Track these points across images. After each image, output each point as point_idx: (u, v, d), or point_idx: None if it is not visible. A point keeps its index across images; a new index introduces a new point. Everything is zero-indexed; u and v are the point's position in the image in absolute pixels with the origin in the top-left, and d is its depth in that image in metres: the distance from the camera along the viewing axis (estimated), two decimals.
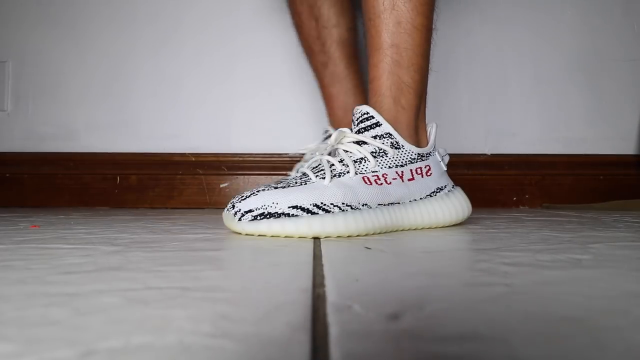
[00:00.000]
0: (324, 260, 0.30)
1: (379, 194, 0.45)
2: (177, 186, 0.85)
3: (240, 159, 0.87)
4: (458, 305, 0.19)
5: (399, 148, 0.47)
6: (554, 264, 0.28)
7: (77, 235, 0.42)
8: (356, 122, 0.48)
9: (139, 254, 0.32)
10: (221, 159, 0.87)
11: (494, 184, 0.88)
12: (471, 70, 0.90)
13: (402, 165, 0.47)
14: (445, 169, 0.51)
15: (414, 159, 0.48)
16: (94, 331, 0.16)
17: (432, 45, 0.52)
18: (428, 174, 0.49)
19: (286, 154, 0.87)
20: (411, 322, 0.17)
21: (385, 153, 0.46)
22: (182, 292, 0.21)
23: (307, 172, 0.45)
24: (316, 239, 0.41)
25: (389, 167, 0.46)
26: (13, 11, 0.87)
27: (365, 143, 0.46)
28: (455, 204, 0.50)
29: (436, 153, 0.51)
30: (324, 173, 0.44)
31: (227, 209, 0.44)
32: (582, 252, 0.33)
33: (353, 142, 0.47)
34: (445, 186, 0.50)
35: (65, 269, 0.27)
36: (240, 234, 0.43)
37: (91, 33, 0.88)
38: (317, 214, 0.41)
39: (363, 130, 0.47)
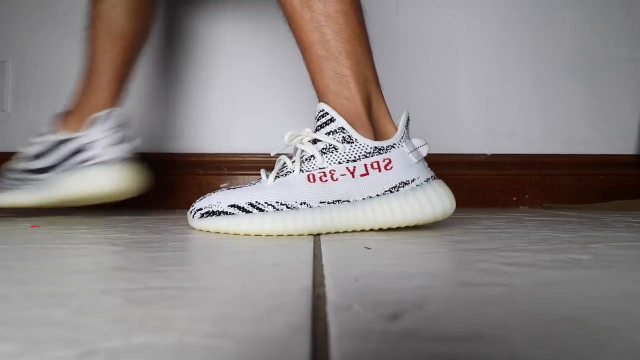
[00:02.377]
0: (324, 260, 0.30)
1: (321, 191, 0.44)
2: (177, 186, 0.85)
3: (241, 159, 0.87)
4: (458, 305, 0.19)
5: (352, 142, 0.44)
6: (554, 264, 0.28)
7: (77, 235, 0.42)
8: (315, 120, 0.47)
9: (139, 254, 0.32)
10: (221, 159, 0.87)
11: (494, 184, 0.88)
12: (471, 70, 0.90)
13: (354, 160, 0.44)
14: (416, 160, 0.46)
15: (370, 152, 0.44)
16: (94, 331, 0.16)
17: (367, 23, 0.50)
18: (387, 167, 0.44)
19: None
20: (411, 322, 0.17)
21: (335, 148, 0.44)
22: (182, 292, 0.21)
23: (262, 173, 0.47)
24: (316, 238, 0.41)
25: (339, 162, 0.44)
26: (13, 11, 0.87)
27: (319, 140, 0.45)
28: (423, 200, 0.44)
29: (403, 144, 0.46)
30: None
31: (191, 206, 0.47)
32: (582, 252, 0.33)
33: (309, 140, 0.46)
34: (412, 180, 0.45)
35: (65, 269, 0.27)
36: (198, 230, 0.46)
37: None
38: (251, 212, 0.43)
39: (320, 127, 0.46)
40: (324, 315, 0.18)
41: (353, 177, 0.44)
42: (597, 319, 0.17)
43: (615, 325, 0.17)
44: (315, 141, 0.46)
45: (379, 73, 0.52)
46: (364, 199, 0.44)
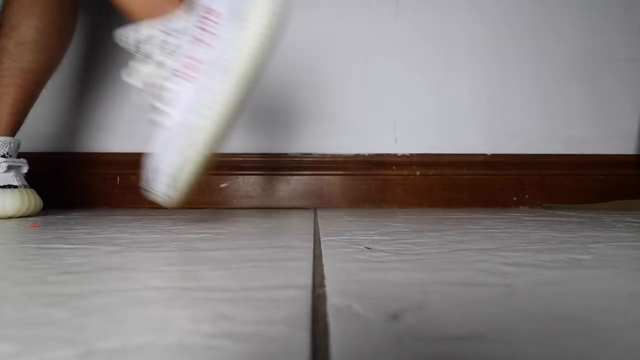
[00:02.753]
0: (324, 260, 0.30)
1: None
2: None
3: (241, 159, 0.87)
4: (458, 305, 0.19)
5: None
6: (554, 264, 0.28)
7: (77, 235, 0.42)
8: None
9: (139, 254, 0.32)
10: (221, 159, 0.87)
11: (494, 184, 0.88)
12: (471, 70, 0.90)
13: None
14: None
15: None
16: (94, 331, 0.16)
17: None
18: None
19: (286, 154, 0.87)
20: (411, 322, 0.17)
21: None
22: (182, 292, 0.21)
23: None
24: (316, 238, 0.41)
25: None
26: None
27: None
28: None
29: None
30: None
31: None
32: (583, 252, 0.33)
33: None
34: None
35: (65, 269, 0.27)
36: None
37: (92, 31, 0.87)
38: None
39: None
40: (324, 315, 0.18)
41: None
42: (597, 319, 0.17)
43: (615, 325, 0.17)
44: None
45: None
46: None
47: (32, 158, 0.87)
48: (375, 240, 0.40)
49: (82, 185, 0.85)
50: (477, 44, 0.90)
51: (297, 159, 0.87)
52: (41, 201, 0.67)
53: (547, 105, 0.90)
